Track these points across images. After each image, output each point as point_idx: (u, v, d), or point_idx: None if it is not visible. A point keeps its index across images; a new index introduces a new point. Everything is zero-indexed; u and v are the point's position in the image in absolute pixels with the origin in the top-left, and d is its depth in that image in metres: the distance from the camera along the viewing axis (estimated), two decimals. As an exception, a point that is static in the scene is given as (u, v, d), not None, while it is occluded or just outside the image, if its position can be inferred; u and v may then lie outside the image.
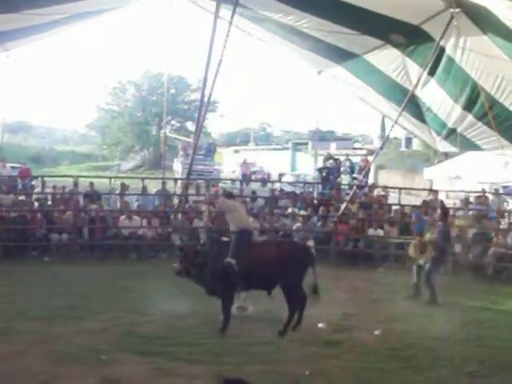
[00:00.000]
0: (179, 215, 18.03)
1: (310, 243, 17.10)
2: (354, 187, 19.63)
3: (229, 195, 11.19)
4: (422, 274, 12.47)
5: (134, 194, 19.25)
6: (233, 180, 30.48)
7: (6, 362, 8.06)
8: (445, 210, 13.49)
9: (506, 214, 17.68)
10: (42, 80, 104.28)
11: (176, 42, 57.40)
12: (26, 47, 17.99)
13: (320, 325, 10.02)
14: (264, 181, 34.65)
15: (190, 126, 54.08)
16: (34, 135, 66.27)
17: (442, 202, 14.04)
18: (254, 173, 44.16)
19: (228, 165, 50.67)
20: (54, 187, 18.58)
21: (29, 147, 55.37)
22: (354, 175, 23.24)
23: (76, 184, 17.27)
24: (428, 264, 12.45)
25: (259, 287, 10.01)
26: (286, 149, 58.52)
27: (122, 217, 17.12)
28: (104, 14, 17.51)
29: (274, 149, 60.29)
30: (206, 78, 17.46)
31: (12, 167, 25.97)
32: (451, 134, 17.01)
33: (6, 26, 14.20)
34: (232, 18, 15.46)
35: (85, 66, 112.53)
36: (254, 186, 26.89)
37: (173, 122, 57.23)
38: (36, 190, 19.37)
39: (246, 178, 34.71)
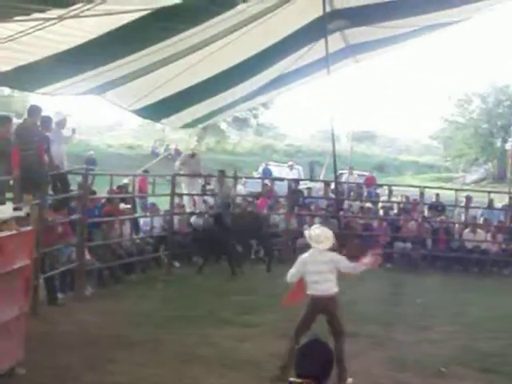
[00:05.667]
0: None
1: None
2: None
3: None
4: None
5: (479, 208, 18.89)
6: None
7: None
8: None
9: None
10: (387, 90, 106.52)
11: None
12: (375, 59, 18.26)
13: None
14: None
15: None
16: (378, 144, 67.99)
17: None
18: None
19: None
20: (402, 196, 19.04)
21: (373, 156, 56.93)
22: None
23: (422, 194, 17.52)
24: None
25: None
26: None
27: (467, 230, 16.93)
28: (452, 25, 17.32)
29: None
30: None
31: (358, 175, 27.11)
32: None
33: (358, 38, 14.81)
34: None
35: (430, 77, 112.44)
36: None
37: (518, 136, 54.66)
38: (382, 199, 19.99)
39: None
